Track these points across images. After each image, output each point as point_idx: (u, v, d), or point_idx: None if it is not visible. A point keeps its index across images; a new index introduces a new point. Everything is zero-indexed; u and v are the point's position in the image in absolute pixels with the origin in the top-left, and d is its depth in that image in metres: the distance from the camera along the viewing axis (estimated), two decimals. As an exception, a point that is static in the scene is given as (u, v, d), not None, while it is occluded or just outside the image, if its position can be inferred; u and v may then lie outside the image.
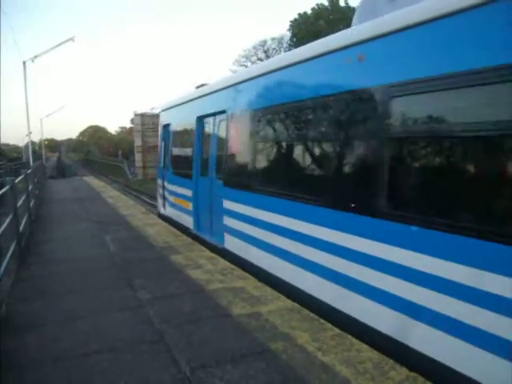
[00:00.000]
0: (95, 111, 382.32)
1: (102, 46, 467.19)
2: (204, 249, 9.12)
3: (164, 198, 14.00)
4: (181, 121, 12.48)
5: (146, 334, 4.94)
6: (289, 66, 6.73)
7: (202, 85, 11.76)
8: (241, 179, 8.10)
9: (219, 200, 8.88)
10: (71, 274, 7.41)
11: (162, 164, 14.37)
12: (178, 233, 11.18)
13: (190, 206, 10.99)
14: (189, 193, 10.99)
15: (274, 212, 6.93)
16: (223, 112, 8.99)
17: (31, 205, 12.46)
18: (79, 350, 4.59)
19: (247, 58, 54.93)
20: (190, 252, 8.76)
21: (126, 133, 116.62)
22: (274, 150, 7.42)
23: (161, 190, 14.46)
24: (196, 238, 10.33)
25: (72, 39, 36.15)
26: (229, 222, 8.53)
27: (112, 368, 4.21)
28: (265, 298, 6.02)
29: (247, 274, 7.16)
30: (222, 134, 9.16)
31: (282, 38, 53.81)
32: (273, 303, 5.81)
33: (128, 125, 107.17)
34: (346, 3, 49.18)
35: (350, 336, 4.78)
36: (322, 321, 5.21)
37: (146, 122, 53.31)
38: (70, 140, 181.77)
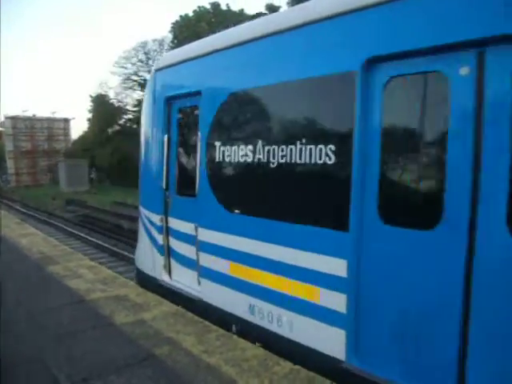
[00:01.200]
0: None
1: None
2: (83, 257, 8.73)
3: (176, 255, 6.67)
4: (261, 78, 5.09)
5: (21, 353, 4.63)
6: None
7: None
8: None
9: None
10: None
11: (162, 182, 6.77)
12: (56, 242, 10.61)
13: (331, 299, 4.26)
14: (332, 267, 4.23)
15: None
16: None
17: None
18: None
19: (127, 59, 53.30)
20: (69, 262, 8.34)
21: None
22: None
23: (158, 238, 6.91)
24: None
25: None
26: None
27: (-18, 393, 3.93)
28: (148, 304, 5.98)
29: (129, 281, 7.01)
30: None
31: (163, 40, 53.13)
32: (156, 309, 5.79)
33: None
34: (228, 7, 50.07)
35: (234, 336, 4.94)
36: (206, 323, 5.32)
37: (18, 125, 51.24)
38: None
